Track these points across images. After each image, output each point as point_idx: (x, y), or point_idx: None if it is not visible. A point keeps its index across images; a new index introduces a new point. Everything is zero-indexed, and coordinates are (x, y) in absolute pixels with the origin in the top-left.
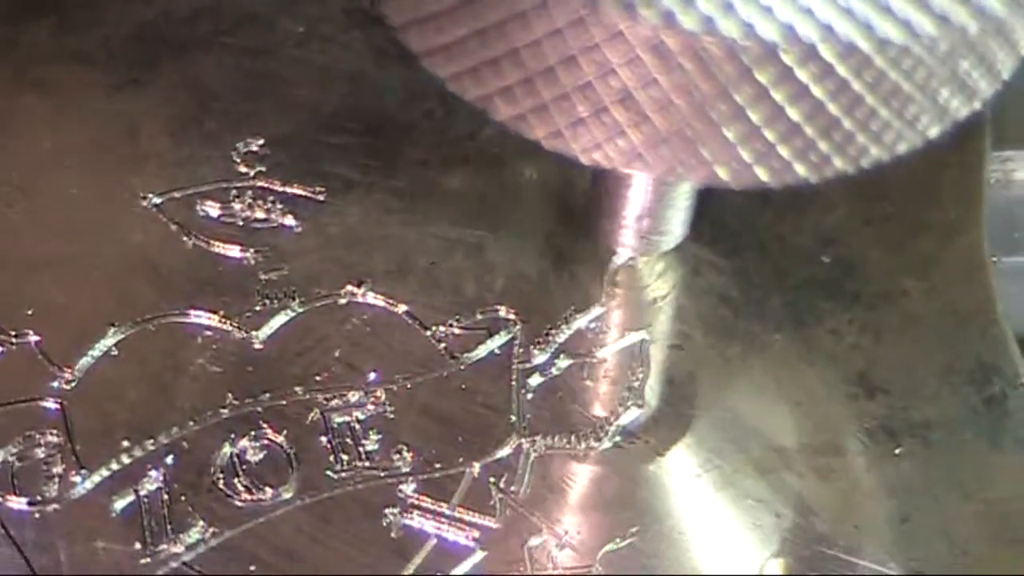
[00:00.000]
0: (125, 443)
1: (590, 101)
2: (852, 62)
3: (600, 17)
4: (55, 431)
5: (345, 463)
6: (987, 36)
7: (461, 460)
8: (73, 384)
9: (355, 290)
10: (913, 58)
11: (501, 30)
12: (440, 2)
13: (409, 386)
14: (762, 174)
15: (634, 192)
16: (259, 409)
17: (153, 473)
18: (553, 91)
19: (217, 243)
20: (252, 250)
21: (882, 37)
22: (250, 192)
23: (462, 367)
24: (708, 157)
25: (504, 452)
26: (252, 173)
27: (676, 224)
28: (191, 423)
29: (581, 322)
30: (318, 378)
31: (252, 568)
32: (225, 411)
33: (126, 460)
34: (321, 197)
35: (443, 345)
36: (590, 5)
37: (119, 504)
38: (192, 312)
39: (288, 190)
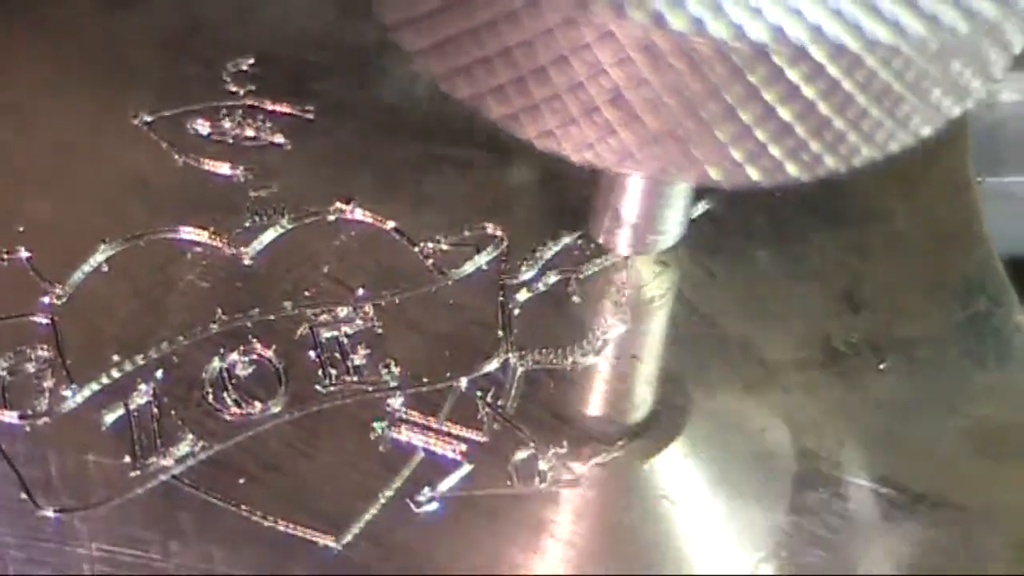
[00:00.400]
0: (115, 358)
1: (581, 101)
2: (843, 62)
3: (591, 17)
4: (46, 346)
5: (333, 378)
6: (978, 36)
7: (448, 375)
8: (64, 300)
9: (343, 207)
10: (904, 58)
11: (493, 29)
12: (432, 1)
13: (397, 302)
14: (753, 174)
15: (630, 192)
16: (248, 324)
17: (143, 387)
18: (545, 91)
19: (207, 161)
20: (242, 168)
21: (871, 37)
22: (240, 111)
23: (450, 283)
24: (699, 157)
25: (491, 367)
26: (242, 92)
27: (673, 224)
28: (181, 338)
29: (568, 239)
30: (307, 294)
31: (241, 481)
32: (214, 326)
33: (116, 374)
34: (310, 115)
35: (431, 261)
36: (581, 5)
37: (109, 418)
38: (182, 229)
39: (277, 108)
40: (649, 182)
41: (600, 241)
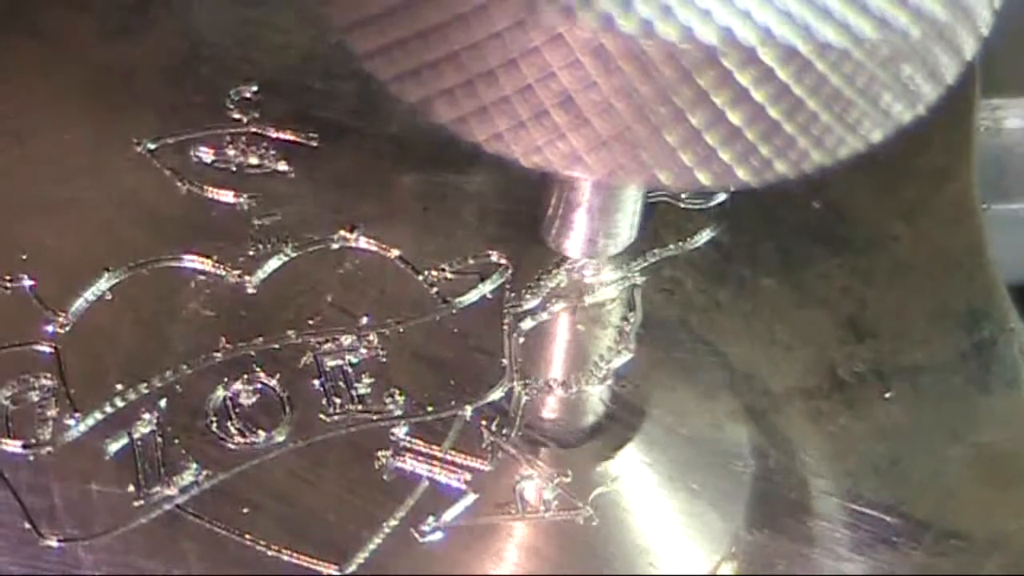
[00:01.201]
0: (119, 386)
1: (530, 104)
2: (792, 66)
3: (539, 20)
4: (49, 374)
5: (337, 406)
6: (930, 41)
7: (453, 403)
8: (67, 328)
9: (348, 235)
10: (854, 62)
11: (442, 33)
12: (381, 4)
13: (401, 330)
14: (703, 178)
15: (582, 196)
16: (252, 353)
17: (147, 416)
18: (493, 94)
19: (211, 188)
20: (245, 195)
21: (822, 40)
22: (244, 138)
23: (454, 311)
24: (649, 160)
25: (496, 395)
26: (246, 119)
27: (625, 227)
28: (184, 367)
29: (573, 267)
30: (311, 322)
31: (244, 511)
32: (218, 355)
33: (120, 403)
34: (314, 143)
35: (435, 289)
36: (529, 8)
37: (113, 447)
38: (186, 257)
39: (281, 136)
40: (600, 186)
41: (551, 245)
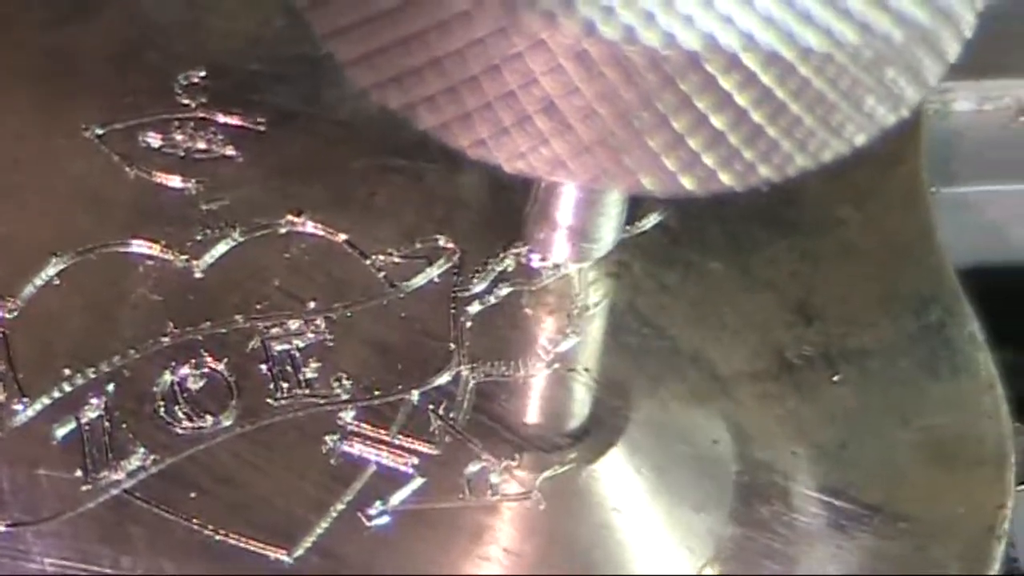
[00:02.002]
0: (67, 371)
1: (513, 110)
2: (775, 70)
3: (521, 26)
4: None
5: (285, 391)
6: (913, 44)
7: (400, 387)
8: (15, 313)
9: (295, 219)
10: (837, 66)
11: (424, 39)
12: (363, 11)
13: (349, 314)
14: (687, 183)
15: (565, 200)
16: (200, 337)
17: (94, 401)
18: (476, 100)
19: (159, 173)
20: (193, 180)
21: (804, 46)
22: (191, 123)
23: (401, 295)
24: (632, 166)
25: (443, 379)
26: (193, 104)
27: (607, 231)
28: (132, 351)
29: (520, 251)
30: (258, 306)
31: (192, 495)
32: (166, 339)
33: (68, 388)
34: (262, 128)
35: (383, 274)
36: (511, 14)
37: (60, 432)
38: (133, 242)
39: (229, 121)
40: (583, 190)
41: (535, 249)
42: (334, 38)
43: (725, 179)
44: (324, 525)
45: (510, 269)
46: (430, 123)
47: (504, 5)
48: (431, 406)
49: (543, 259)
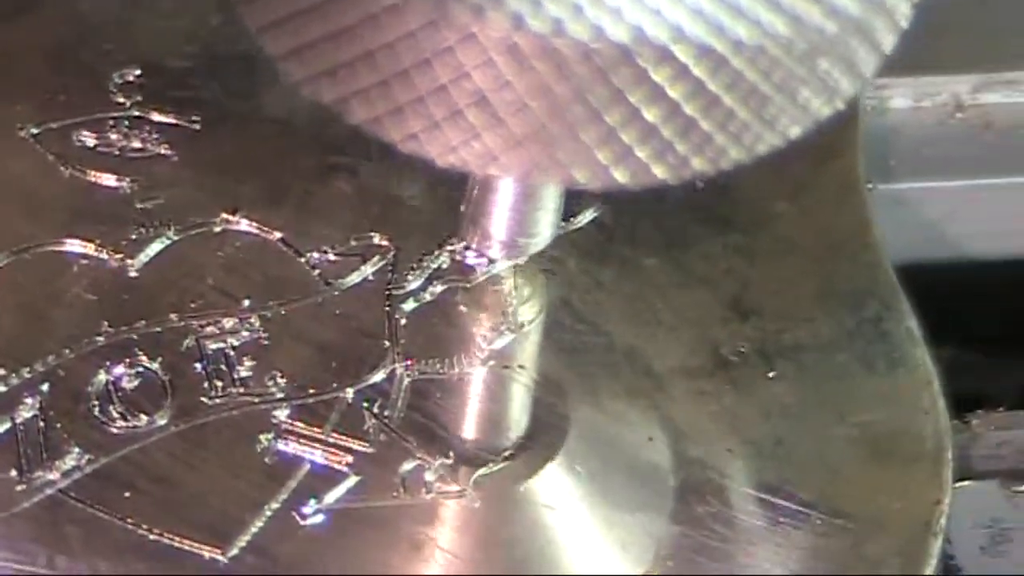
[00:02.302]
0: (1, 371)
1: (445, 104)
2: (707, 63)
3: (451, 19)
4: None
5: (219, 389)
6: (847, 35)
7: (335, 385)
8: None
9: (230, 217)
10: (770, 58)
11: (355, 33)
12: (295, 5)
13: (283, 312)
14: (620, 176)
15: (501, 196)
16: (134, 336)
17: (29, 400)
18: (408, 94)
19: (94, 172)
20: (128, 179)
21: (734, 38)
22: (126, 122)
23: (336, 293)
24: (564, 159)
25: (378, 377)
26: (128, 103)
27: (544, 226)
28: (67, 351)
29: (455, 248)
30: (193, 305)
31: (127, 494)
32: (101, 339)
33: (2, 388)
34: (197, 126)
35: (317, 271)
36: (440, 7)
37: None
38: (68, 241)
39: (164, 120)
40: (519, 185)
41: (472, 246)
42: (267, 32)
43: (658, 172)
44: (259, 524)
45: (445, 266)
46: (362, 117)
47: None
48: (366, 404)
49: (480, 255)
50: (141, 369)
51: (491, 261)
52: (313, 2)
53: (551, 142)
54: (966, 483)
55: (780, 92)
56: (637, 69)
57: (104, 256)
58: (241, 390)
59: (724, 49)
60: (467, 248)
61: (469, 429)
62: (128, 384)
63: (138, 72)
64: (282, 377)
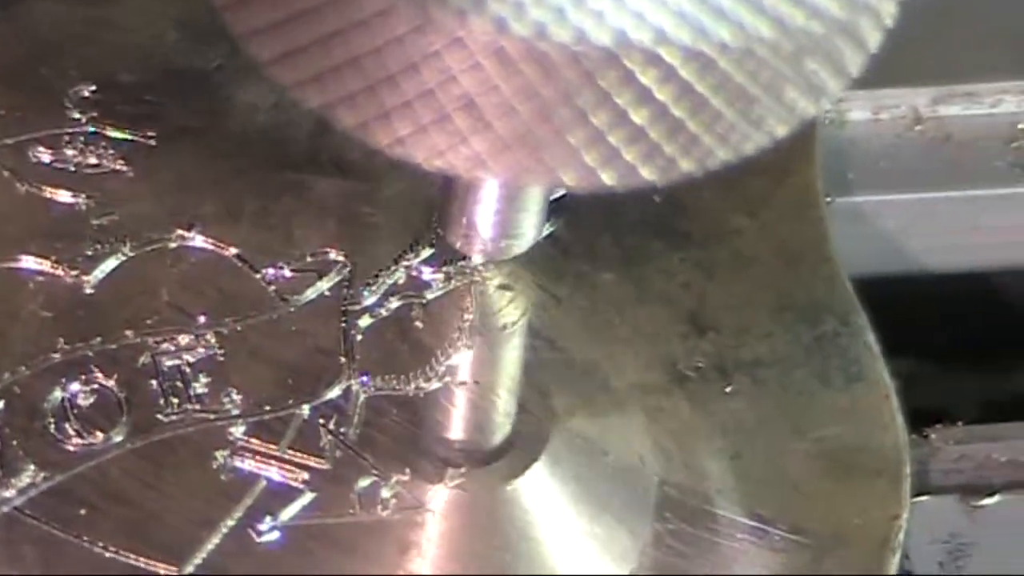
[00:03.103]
0: None
1: (432, 108)
2: (694, 65)
3: (436, 24)
4: None
5: (175, 406)
6: (833, 35)
7: (291, 402)
8: None
9: (185, 234)
10: (757, 59)
11: (342, 38)
12: (280, 11)
13: (239, 329)
14: (607, 178)
15: (484, 197)
16: (90, 353)
17: None
18: (395, 99)
19: (49, 189)
20: (84, 195)
21: (717, 41)
22: (82, 138)
23: (292, 309)
24: (552, 162)
25: (334, 394)
26: (84, 119)
27: (528, 227)
28: (22, 368)
29: (411, 264)
30: (148, 322)
31: (82, 512)
32: (56, 355)
33: None
34: (153, 142)
35: (273, 288)
36: (423, 12)
37: None
38: (23, 258)
39: (120, 135)
40: (502, 187)
41: (456, 246)
42: (253, 38)
43: (646, 174)
44: (214, 541)
45: (401, 282)
46: (349, 122)
47: (418, 3)
48: (321, 420)
49: (464, 256)
50: (97, 386)
51: (448, 277)
52: (299, 8)
53: (538, 145)
54: (924, 498)
55: (767, 93)
56: (624, 71)
57: (59, 273)
58: (197, 407)
59: (711, 51)
60: (423, 263)
61: (425, 445)
62: (84, 401)
63: (94, 88)
64: (238, 394)
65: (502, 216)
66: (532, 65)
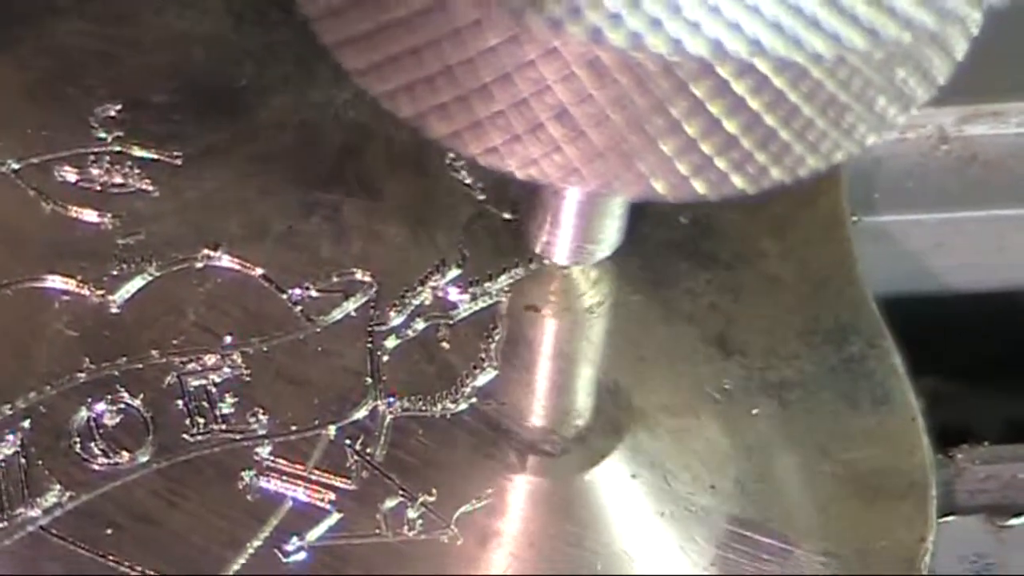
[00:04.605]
0: None
1: (525, 118)
2: (788, 74)
3: (532, 34)
4: None
5: (201, 426)
6: (922, 44)
7: (317, 422)
8: None
9: (211, 253)
10: (849, 68)
11: (435, 48)
12: (374, 20)
13: (265, 349)
14: (699, 187)
15: (568, 202)
16: (116, 373)
17: (10, 437)
18: (488, 108)
19: (75, 208)
20: (110, 215)
21: (812, 52)
22: (108, 157)
23: (318, 330)
24: (644, 171)
25: (360, 414)
26: (110, 138)
27: (611, 232)
28: (48, 388)
29: (438, 284)
30: (174, 342)
31: (108, 531)
32: (82, 375)
33: None
34: (178, 162)
35: (299, 308)
36: (519, 22)
37: None
38: (49, 277)
39: (145, 155)
40: (591, 194)
41: (537, 251)
42: (344, 48)
43: (737, 182)
44: (240, 562)
45: (427, 303)
46: (441, 132)
47: (513, 14)
48: (348, 441)
49: (546, 261)
50: (122, 406)
51: (474, 298)
52: (392, 18)
53: (631, 154)
54: (951, 518)
55: (858, 101)
56: (718, 81)
57: (85, 292)
58: (223, 427)
59: (804, 60)
60: (449, 283)
61: (451, 467)
62: (109, 421)
63: (119, 107)
64: (264, 414)
65: (585, 222)
66: (627, 75)
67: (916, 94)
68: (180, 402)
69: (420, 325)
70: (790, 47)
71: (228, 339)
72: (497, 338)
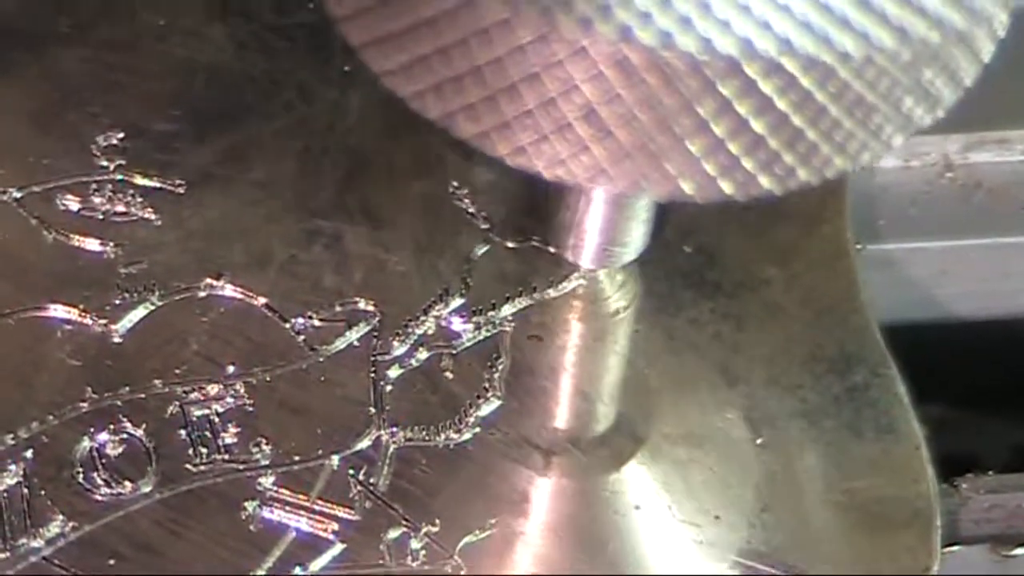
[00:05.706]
0: None
1: (553, 117)
2: (815, 74)
3: (561, 33)
4: None
5: (204, 456)
6: (949, 45)
7: (320, 452)
8: None
9: (214, 283)
10: (876, 68)
11: (463, 48)
12: (401, 21)
13: (268, 379)
14: (727, 187)
15: (594, 205)
16: (118, 403)
17: (12, 467)
18: (516, 108)
19: (77, 237)
20: (112, 244)
21: (841, 51)
22: (110, 186)
23: (321, 359)
24: (672, 171)
25: (363, 444)
26: (112, 167)
27: (637, 236)
28: (50, 417)
29: (441, 314)
30: (177, 371)
31: (111, 562)
32: (84, 405)
33: None
34: (181, 190)
35: (302, 337)
36: (550, 21)
37: None
38: (51, 306)
39: (148, 183)
40: (614, 195)
41: (565, 255)
42: (370, 48)
43: (765, 183)
44: None
45: (430, 332)
46: (469, 132)
47: (542, 12)
48: (351, 471)
49: (572, 263)
50: (125, 436)
51: (478, 327)
52: (419, 18)
53: (659, 154)
54: (955, 548)
55: (885, 101)
56: (746, 80)
57: (88, 321)
58: (226, 457)
59: (832, 60)
60: (453, 313)
61: (455, 497)
62: (112, 451)
63: (122, 135)
64: (267, 444)
65: (612, 224)
66: (655, 74)
67: (943, 95)
68: (183, 432)
69: (423, 355)
70: (819, 46)
71: (231, 369)
72: (501, 368)
